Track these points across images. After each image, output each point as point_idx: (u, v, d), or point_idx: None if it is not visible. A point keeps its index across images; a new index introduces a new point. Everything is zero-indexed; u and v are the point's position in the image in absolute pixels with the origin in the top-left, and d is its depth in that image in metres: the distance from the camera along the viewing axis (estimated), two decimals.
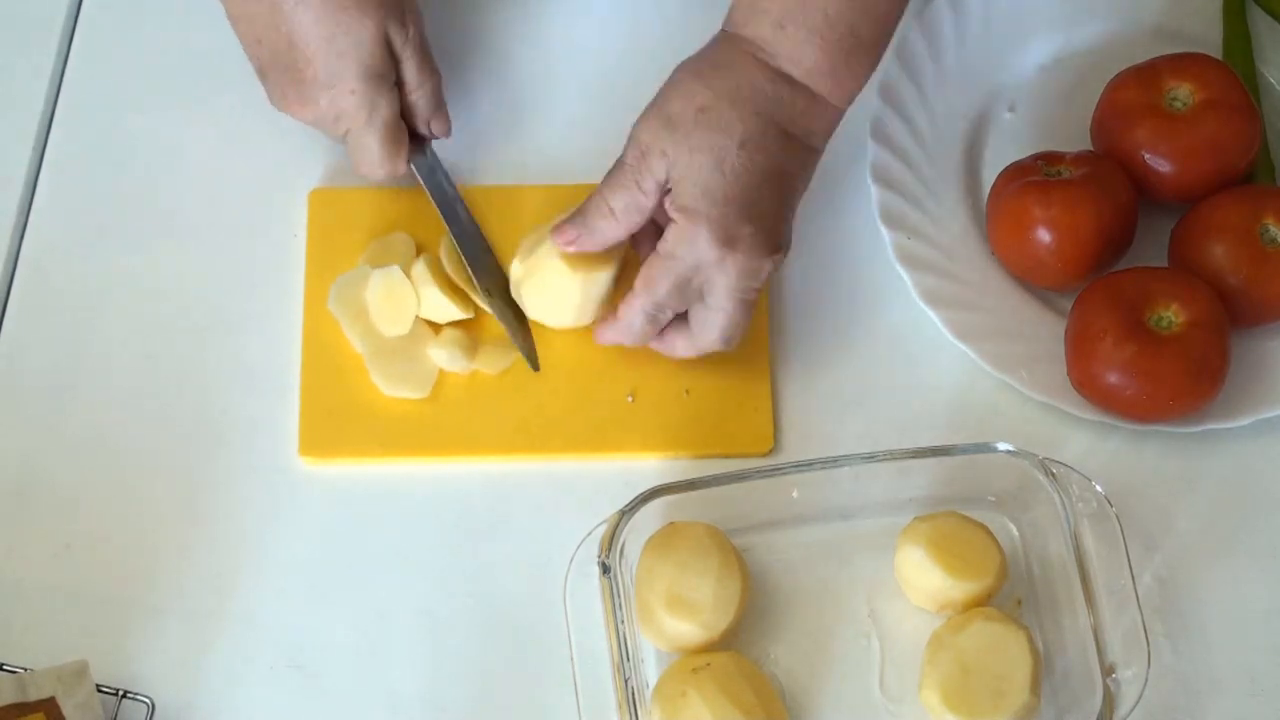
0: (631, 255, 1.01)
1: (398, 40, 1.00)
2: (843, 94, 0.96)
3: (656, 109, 0.95)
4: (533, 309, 1.02)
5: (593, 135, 1.05)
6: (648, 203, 0.96)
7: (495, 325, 1.03)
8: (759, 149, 0.94)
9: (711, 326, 0.97)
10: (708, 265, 0.95)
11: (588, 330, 1.03)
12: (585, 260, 0.99)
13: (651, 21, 1.14)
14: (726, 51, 0.96)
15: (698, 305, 0.97)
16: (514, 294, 1.03)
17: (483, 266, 1.04)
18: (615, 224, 0.97)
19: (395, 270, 1.02)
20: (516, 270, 1.02)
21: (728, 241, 0.94)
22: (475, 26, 1.13)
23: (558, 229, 0.98)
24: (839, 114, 0.97)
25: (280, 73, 0.99)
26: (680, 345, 1.00)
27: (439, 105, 1.04)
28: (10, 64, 1.12)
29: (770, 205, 0.95)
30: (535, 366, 1.02)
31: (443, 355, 1.02)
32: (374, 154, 1.01)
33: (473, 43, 1.13)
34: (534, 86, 1.12)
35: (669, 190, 0.95)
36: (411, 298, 1.02)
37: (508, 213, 1.06)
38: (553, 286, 1.00)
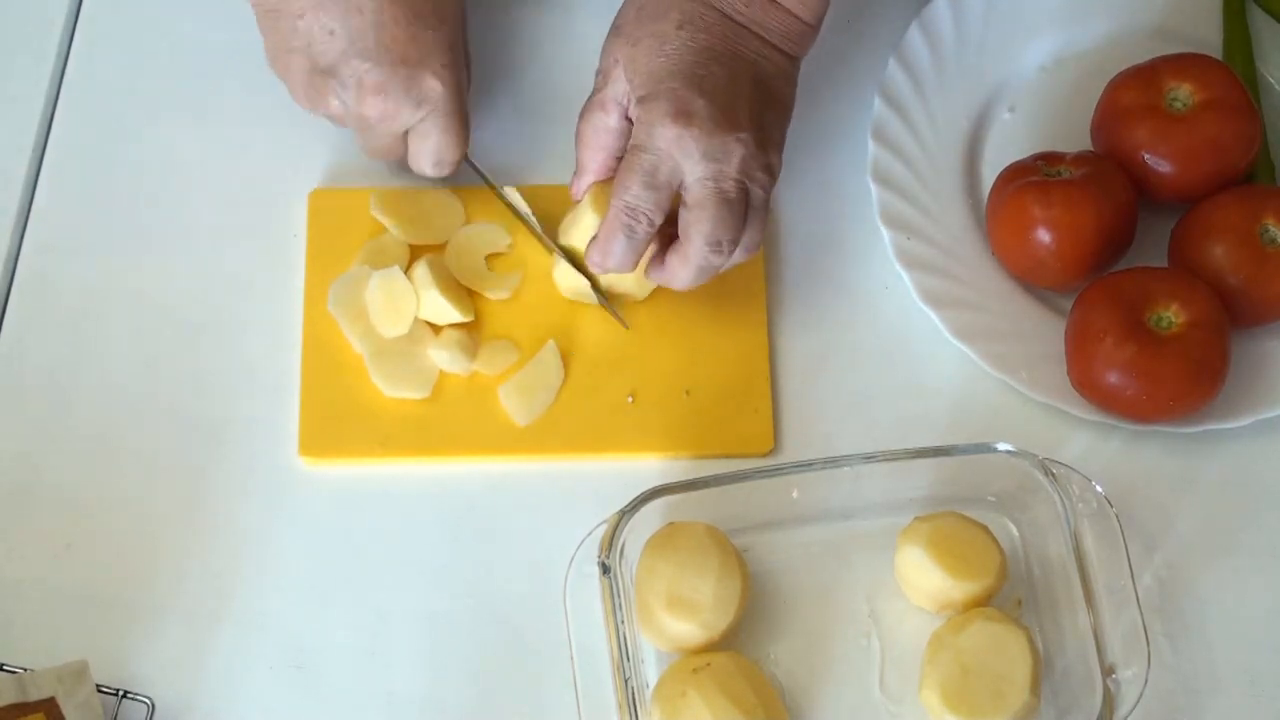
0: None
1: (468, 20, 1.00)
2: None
3: (611, 28, 0.98)
4: (569, 287, 1.03)
5: None
6: (612, 121, 0.97)
7: (495, 326, 1.03)
8: (700, 29, 0.95)
9: (697, 231, 0.95)
10: (669, 147, 0.93)
11: (588, 331, 1.03)
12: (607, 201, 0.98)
13: None
14: None
15: (681, 212, 0.96)
16: (562, 279, 1.03)
17: (553, 239, 1.04)
18: (588, 150, 0.98)
19: (395, 271, 1.02)
20: (562, 242, 1.03)
21: (681, 115, 0.93)
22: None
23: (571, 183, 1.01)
24: (793, 18, 0.97)
25: (359, 60, 0.96)
26: (677, 267, 0.97)
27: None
28: (10, 64, 1.12)
29: (724, 83, 0.95)
30: (626, 325, 1.03)
31: (443, 356, 1.02)
32: (449, 138, 0.99)
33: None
34: (559, 87, 1.12)
35: (626, 100, 0.96)
36: (411, 299, 1.02)
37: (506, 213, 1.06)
38: (589, 237, 1.00)
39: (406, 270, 1.03)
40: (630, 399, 1.02)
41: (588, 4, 1.12)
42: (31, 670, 0.92)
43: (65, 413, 1.02)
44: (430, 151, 1.00)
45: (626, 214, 0.95)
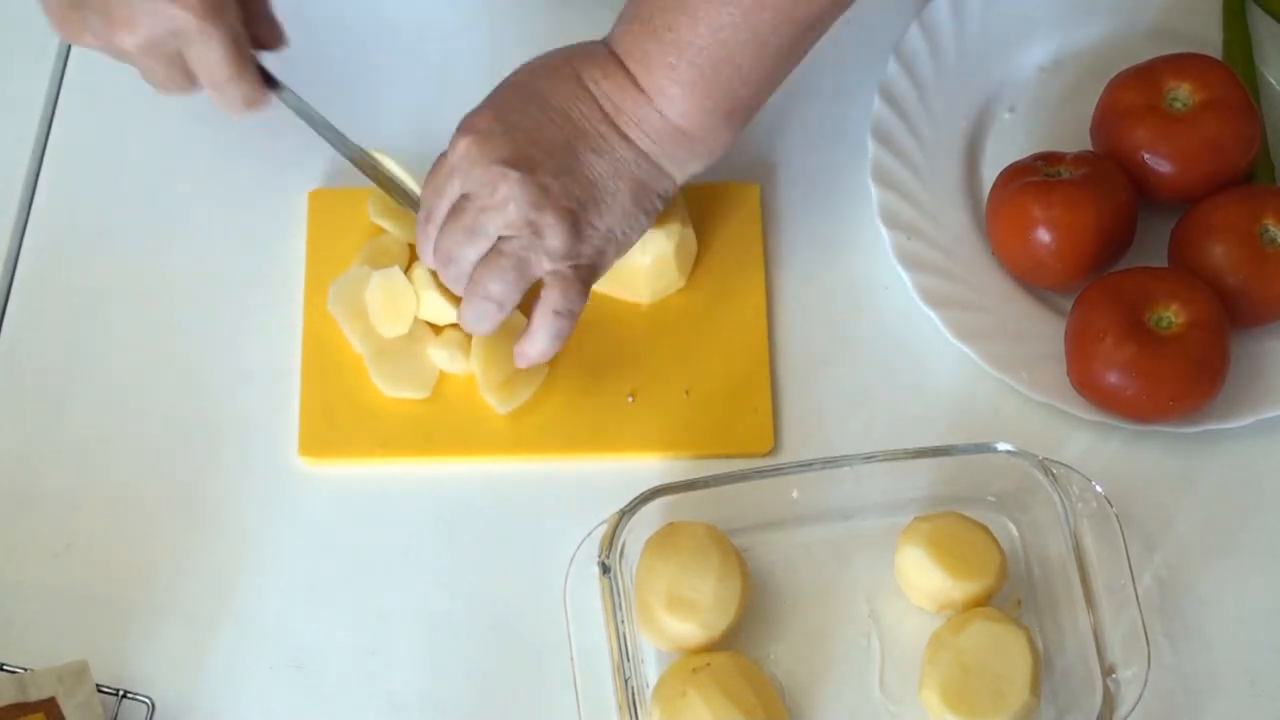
0: (706, 227, 1.03)
1: None
2: (664, 95, 0.94)
3: None
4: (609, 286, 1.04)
5: None
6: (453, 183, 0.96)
7: None
8: (543, 75, 0.95)
9: (443, 237, 0.95)
10: (451, 155, 0.94)
11: (586, 330, 1.03)
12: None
13: None
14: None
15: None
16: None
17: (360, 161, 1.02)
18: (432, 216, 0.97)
19: (395, 272, 1.02)
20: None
21: (467, 126, 0.94)
22: (488, 23, 1.13)
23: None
24: (658, 113, 0.94)
25: None
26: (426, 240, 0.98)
27: (269, 12, 0.99)
28: (10, 64, 1.12)
29: (530, 127, 0.93)
30: (415, 209, 1.01)
31: (443, 356, 1.02)
32: (221, 67, 0.94)
33: (488, 40, 1.13)
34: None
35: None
36: (411, 299, 1.02)
37: None
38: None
39: (406, 270, 1.03)
40: (630, 399, 1.02)
41: (601, 4, 1.12)
42: (31, 670, 0.92)
43: (65, 413, 1.02)
44: (207, 77, 0.95)
45: (423, 214, 0.97)
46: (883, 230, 1.05)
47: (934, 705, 0.92)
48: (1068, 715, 0.94)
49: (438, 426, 1.01)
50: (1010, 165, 1.05)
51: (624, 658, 0.91)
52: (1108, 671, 0.92)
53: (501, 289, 0.95)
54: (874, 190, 1.06)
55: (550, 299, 0.96)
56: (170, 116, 1.10)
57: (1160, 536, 0.99)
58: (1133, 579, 0.94)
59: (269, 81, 0.98)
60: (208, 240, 1.07)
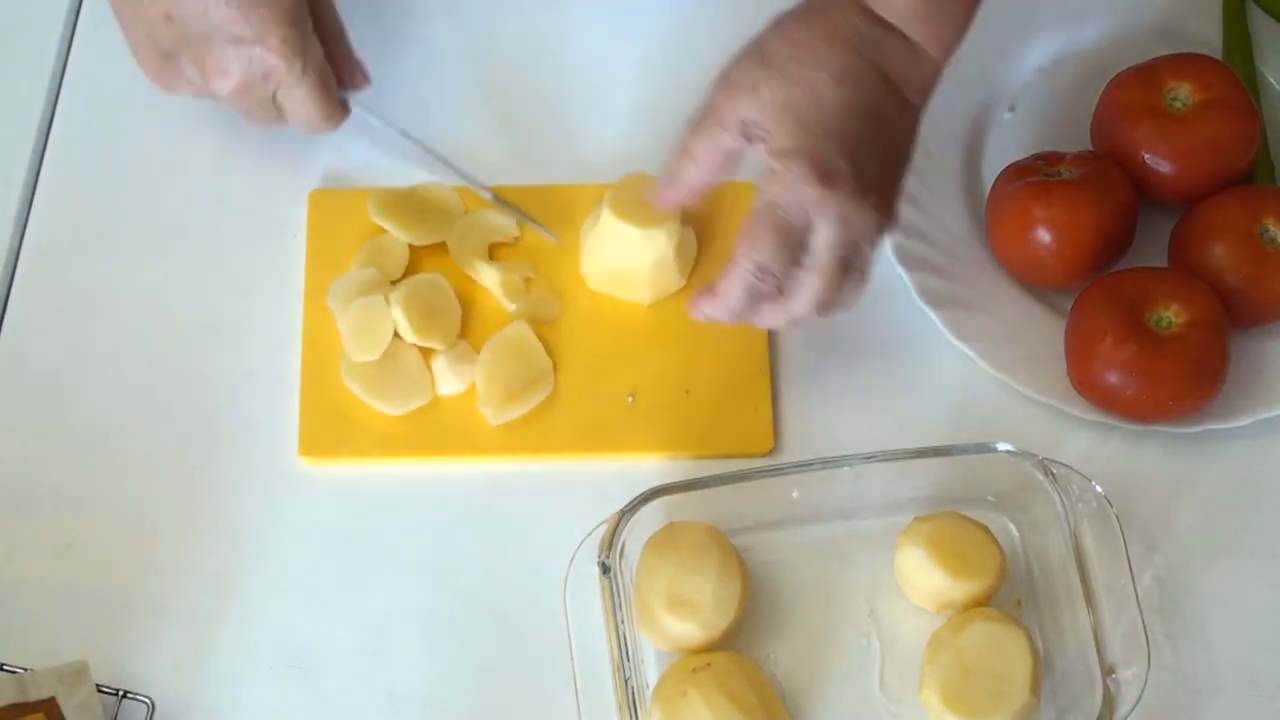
0: (706, 227, 1.03)
1: None
2: (938, 42, 0.93)
3: (751, 48, 0.93)
4: (596, 278, 1.03)
5: (598, 134, 1.08)
6: (730, 142, 0.92)
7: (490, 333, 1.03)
8: (856, 85, 0.91)
9: (806, 288, 0.92)
10: (809, 208, 0.90)
11: (587, 331, 1.03)
12: (644, 216, 0.99)
13: (656, 22, 1.14)
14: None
15: (794, 269, 0.92)
16: (585, 269, 1.04)
17: (461, 175, 1.05)
18: (694, 166, 0.94)
19: (376, 300, 1.02)
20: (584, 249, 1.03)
21: (826, 178, 0.89)
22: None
23: (657, 191, 0.97)
24: (935, 67, 0.94)
25: (196, 44, 0.97)
26: (769, 313, 0.94)
27: (351, 52, 1.03)
28: (10, 64, 1.12)
29: (870, 149, 0.92)
30: (556, 238, 1.03)
31: (444, 372, 1.01)
32: (311, 104, 0.99)
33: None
34: (541, 85, 1.12)
35: (760, 137, 0.91)
36: (388, 324, 1.01)
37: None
38: (611, 247, 1.00)
39: (403, 273, 1.04)
40: (630, 399, 1.02)
41: (584, 4, 1.12)
42: (31, 670, 0.92)
43: (65, 413, 1.02)
44: (297, 119, 1.01)
45: (756, 272, 0.91)
46: None
47: (934, 705, 0.92)
48: (1068, 715, 0.94)
49: (438, 427, 1.01)
50: (1010, 165, 1.05)
51: (624, 658, 0.91)
52: (1108, 671, 0.92)
53: (851, 295, 0.95)
54: None
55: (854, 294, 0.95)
56: (170, 117, 1.10)
57: (1160, 536, 0.99)
58: (1133, 579, 0.94)
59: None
60: (208, 240, 1.07)
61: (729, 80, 0.92)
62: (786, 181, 0.90)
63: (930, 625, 0.95)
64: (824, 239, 0.91)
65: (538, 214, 1.05)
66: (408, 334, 1.01)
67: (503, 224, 1.05)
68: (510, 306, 1.03)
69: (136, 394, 1.03)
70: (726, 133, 0.92)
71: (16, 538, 0.99)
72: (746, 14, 0.94)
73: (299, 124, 1.01)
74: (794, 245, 0.91)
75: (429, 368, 1.02)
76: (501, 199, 1.05)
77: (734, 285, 0.92)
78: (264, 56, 0.97)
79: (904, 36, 0.93)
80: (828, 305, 0.94)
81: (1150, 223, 1.05)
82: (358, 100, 1.03)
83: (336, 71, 1.02)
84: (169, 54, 0.98)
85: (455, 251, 1.04)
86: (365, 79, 1.04)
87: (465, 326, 1.03)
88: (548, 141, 1.10)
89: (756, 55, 0.92)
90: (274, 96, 0.99)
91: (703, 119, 0.93)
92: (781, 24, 0.93)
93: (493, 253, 1.05)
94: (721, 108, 0.92)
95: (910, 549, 0.95)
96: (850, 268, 0.93)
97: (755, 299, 0.93)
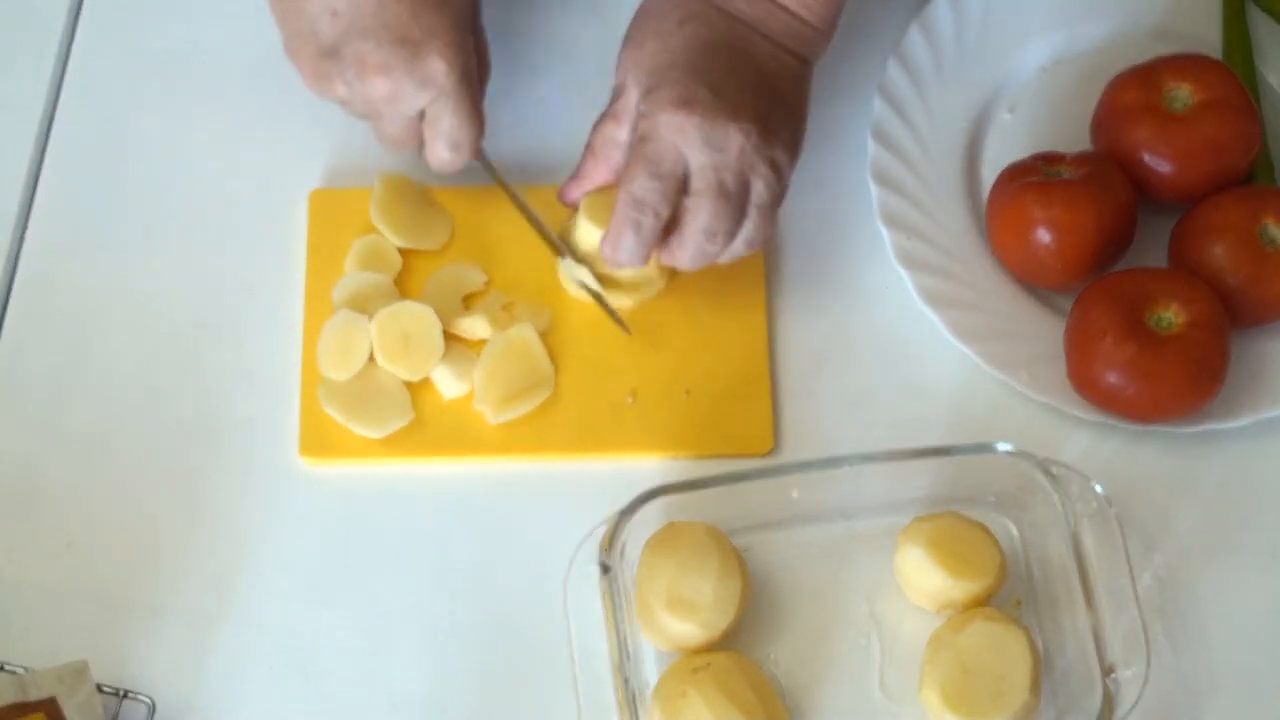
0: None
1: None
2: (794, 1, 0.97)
3: (622, 42, 0.99)
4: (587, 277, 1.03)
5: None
6: (621, 134, 0.97)
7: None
8: (701, 24, 0.96)
9: (692, 219, 0.95)
10: (671, 135, 0.94)
11: (586, 332, 1.03)
12: (604, 209, 0.99)
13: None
14: None
15: (681, 200, 0.96)
16: (565, 275, 1.03)
17: (558, 245, 1.04)
18: (592, 159, 0.99)
19: (356, 317, 1.01)
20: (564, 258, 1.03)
21: (683, 103, 0.94)
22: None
23: (561, 188, 1.02)
24: (798, 18, 0.97)
25: (362, 40, 0.94)
26: (675, 249, 0.97)
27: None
28: (10, 64, 1.12)
29: (725, 75, 0.95)
30: (627, 330, 1.03)
31: (445, 377, 1.01)
32: (460, 120, 0.97)
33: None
34: (541, 86, 1.12)
35: (624, 92, 0.97)
36: (365, 341, 1.01)
37: (508, 215, 1.06)
38: (585, 246, 1.01)
39: (398, 275, 1.04)
40: (630, 399, 1.02)
41: (615, 5, 1.12)
42: (31, 670, 0.92)
43: (65, 413, 1.02)
44: (444, 134, 0.98)
45: (634, 207, 0.95)
46: (883, 230, 1.05)
47: (934, 705, 0.92)
48: (1068, 715, 0.94)
49: (438, 427, 1.01)
50: (1010, 165, 1.05)
51: (624, 658, 0.91)
52: (1108, 671, 0.92)
53: (753, 231, 0.97)
54: (874, 190, 1.06)
55: (756, 229, 0.98)
56: (170, 117, 1.10)
57: (1160, 536, 0.99)
58: (1133, 579, 0.94)
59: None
60: (208, 240, 1.07)
61: (616, 79, 0.98)
62: (650, 115, 0.94)
63: (930, 625, 0.95)
64: (695, 162, 0.94)
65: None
66: (379, 359, 1.01)
67: (471, 275, 1.05)
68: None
69: (136, 394, 1.03)
70: (618, 124, 0.97)
71: (16, 538, 0.99)
72: None
73: (439, 144, 0.98)
74: (667, 175, 0.94)
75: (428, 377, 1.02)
76: (580, 277, 1.03)
77: (620, 222, 0.95)
78: (429, 62, 0.95)
79: None
80: (718, 235, 0.96)
81: (1150, 223, 1.05)
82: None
83: None
84: (329, 50, 0.96)
85: (433, 306, 1.02)
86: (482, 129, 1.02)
87: (455, 353, 1.02)
88: None
89: (623, 41, 0.99)
90: (423, 112, 0.98)
91: (600, 117, 0.99)
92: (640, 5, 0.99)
93: (467, 302, 1.04)
94: (613, 101, 0.98)
95: (910, 549, 0.95)
96: (732, 194, 0.95)
97: (641, 233, 0.95)
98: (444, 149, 0.99)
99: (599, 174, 1.00)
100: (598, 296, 1.02)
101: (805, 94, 1.00)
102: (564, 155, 1.08)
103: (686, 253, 0.97)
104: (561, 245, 1.03)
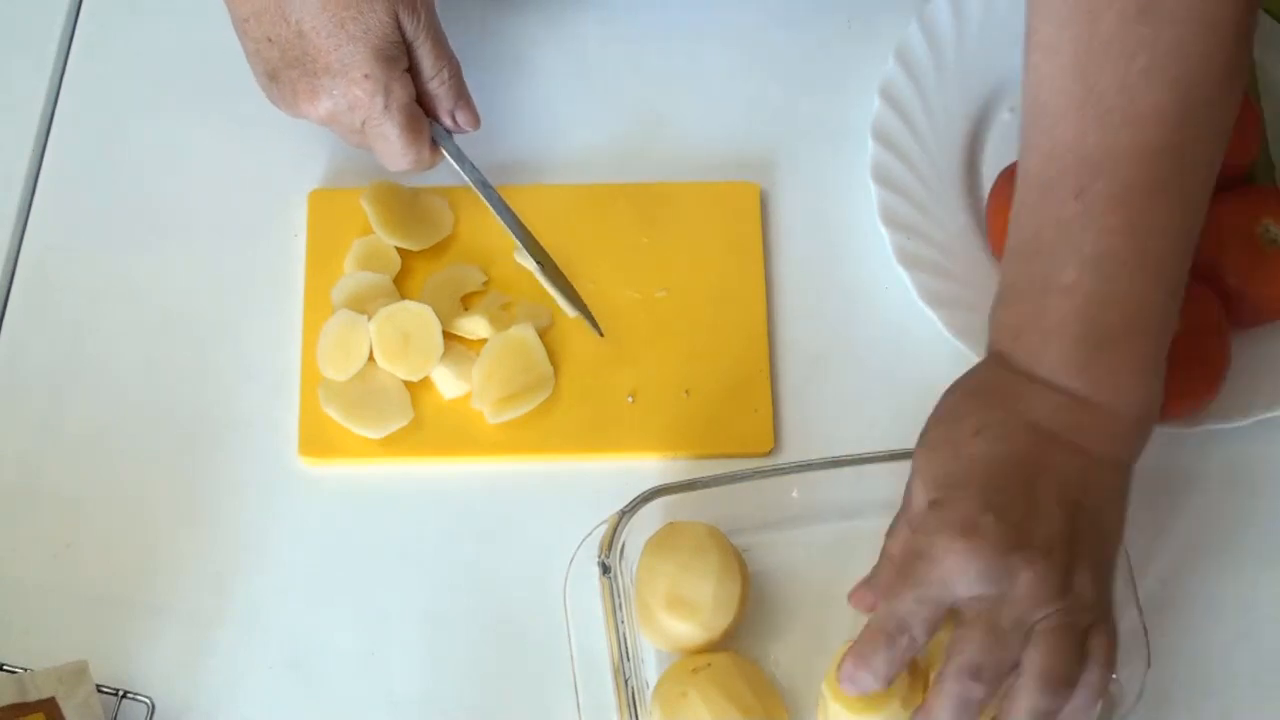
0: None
1: (409, 25, 0.99)
2: (1106, 391, 0.86)
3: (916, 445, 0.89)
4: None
5: (597, 136, 1.08)
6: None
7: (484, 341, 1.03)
8: (999, 436, 0.86)
9: (955, 654, 0.84)
10: (948, 562, 0.84)
11: (587, 330, 1.03)
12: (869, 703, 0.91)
13: (654, 22, 1.14)
14: (978, 366, 0.91)
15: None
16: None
17: (528, 243, 1.03)
18: (890, 568, 0.87)
19: (355, 317, 1.01)
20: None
21: (967, 529, 0.84)
22: (480, 26, 1.13)
23: (853, 592, 0.90)
24: (1113, 414, 0.87)
25: (291, 68, 0.99)
26: (931, 698, 0.86)
27: (461, 94, 1.04)
28: (10, 64, 1.12)
29: (1020, 497, 0.85)
30: (600, 332, 1.02)
31: (446, 377, 1.01)
32: (395, 142, 1.01)
33: (478, 43, 1.13)
34: (537, 86, 1.12)
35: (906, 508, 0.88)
36: (364, 343, 1.01)
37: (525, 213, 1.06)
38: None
39: (396, 277, 1.04)
40: (630, 399, 1.02)
41: (617, 5, 1.12)
42: (31, 670, 0.92)
43: (65, 413, 1.02)
44: (384, 152, 1.02)
45: (894, 624, 0.85)
46: (883, 230, 1.05)
47: None
48: None
49: (437, 427, 1.01)
50: (1010, 165, 1.05)
51: (624, 658, 0.91)
52: None
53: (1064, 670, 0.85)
54: (874, 190, 1.06)
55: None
56: (170, 117, 1.10)
57: (1160, 536, 0.99)
58: (1133, 579, 0.93)
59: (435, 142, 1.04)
60: (208, 240, 1.07)
61: (909, 481, 0.89)
62: (928, 532, 0.85)
63: None
64: (966, 592, 0.84)
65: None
66: (379, 359, 1.01)
67: (471, 275, 1.05)
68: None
69: (136, 394, 1.03)
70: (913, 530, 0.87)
71: (16, 538, 0.99)
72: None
73: (386, 161, 1.02)
74: (935, 602, 0.85)
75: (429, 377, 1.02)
76: (549, 276, 1.03)
77: (873, 638, 0.86)
78: (349, 90, 0.98)
79: (1059, 388, 0.87)
80: (983, 673, 0.84)
81: None
82: (447, 142, 1.03)
83: (431, 112, 1.03)
84: (270, 74, 1.00)
85: (432, 306, 1.02)
86: (471, 122, 1.04)
87: (455, 353, 1.02)
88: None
89: (917, 444, 0.89)
90: (362, 126, 1.01)
91: (894, 521, 0.89)
92: (942, 399, 0.90)
93: (466, 302, 1.05)
94: (905, 507, 0.88)
95: None
96: (1004, 631, 0.84)
97: (894, 653, 0.86)
98: (395, 163, 1.02)
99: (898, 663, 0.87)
100: (572, 301, 1.02)
101: (1119, 508, 0.88)
102: (566, 155, 1.09)
103: (945, 696, 0.85)
104: (531, 259, 1.03)
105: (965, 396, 0.90)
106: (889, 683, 0.86)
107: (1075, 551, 0.85)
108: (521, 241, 1.03)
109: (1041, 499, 0.85)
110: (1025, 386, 0.87)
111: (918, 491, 0.88)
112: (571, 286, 1.03)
